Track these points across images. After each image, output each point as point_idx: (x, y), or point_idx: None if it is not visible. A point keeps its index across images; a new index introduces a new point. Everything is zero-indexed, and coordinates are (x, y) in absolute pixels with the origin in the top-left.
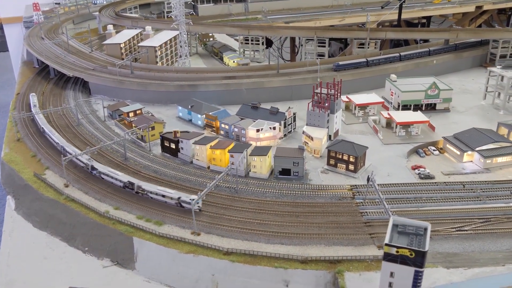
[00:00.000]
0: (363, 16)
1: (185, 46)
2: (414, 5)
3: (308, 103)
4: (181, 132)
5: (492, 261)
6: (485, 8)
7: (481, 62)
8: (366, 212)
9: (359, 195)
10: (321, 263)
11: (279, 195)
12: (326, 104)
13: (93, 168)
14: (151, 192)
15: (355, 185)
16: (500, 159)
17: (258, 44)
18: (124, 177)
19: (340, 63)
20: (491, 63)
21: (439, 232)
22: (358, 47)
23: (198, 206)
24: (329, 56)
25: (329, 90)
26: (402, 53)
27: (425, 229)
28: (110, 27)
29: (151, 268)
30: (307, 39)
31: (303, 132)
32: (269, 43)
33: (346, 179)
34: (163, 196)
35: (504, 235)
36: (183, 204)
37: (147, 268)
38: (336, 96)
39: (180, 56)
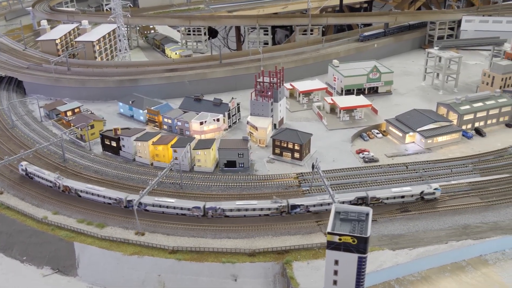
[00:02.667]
0: (306, 2)
1: (124, 39)
2: None
3: (251, 93)
4: (122, 129)
5: (435, 239)
6: None
7: (420, 44)
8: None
9: (305, 182)
10: (269, 255)
11: (225, 188)
12: (269, 93)
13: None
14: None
15: (301, 173)
16: (440, 139)
17: (201, 34)
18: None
19: (365, 34)
20: (429, 44)
21: (384, 215)
22: (302, 34)
23: None
24: (274, 44)
25: (271, 78)
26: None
27: (367, 215)
28: (44, 22)
29: (95, 273)
30: (250, 28)
31: (247, 122)
32: (213, 33)
33: (292, 167)
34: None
35: (446, 213)
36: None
37: (90, 273)
38: (278, 84)
39: (120, 50)
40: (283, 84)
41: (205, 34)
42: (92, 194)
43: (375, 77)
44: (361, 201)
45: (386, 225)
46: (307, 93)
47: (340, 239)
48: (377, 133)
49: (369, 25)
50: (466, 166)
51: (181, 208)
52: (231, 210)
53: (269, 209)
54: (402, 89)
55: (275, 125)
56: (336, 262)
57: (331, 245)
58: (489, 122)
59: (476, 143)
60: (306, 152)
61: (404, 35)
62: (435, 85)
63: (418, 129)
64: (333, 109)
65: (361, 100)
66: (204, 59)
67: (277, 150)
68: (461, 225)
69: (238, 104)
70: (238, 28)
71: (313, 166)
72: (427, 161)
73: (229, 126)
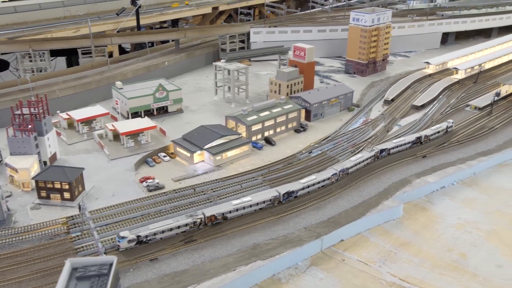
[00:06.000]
0: (102, 24)
1: None
2: (152, 10)
3: (7, 129)
4: None
5: (223, 268)
6: (221, 9)
7: (214, 58)
8: (82, 247)
9: (75, 227)
10: None
11: None
12: (30, 126)
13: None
14: None
15: (72, 217)
16: (229, 153)
17: None
18: None
19: None
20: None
21: (166, 250)
22: (84, 57)
23: None
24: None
25: (31, 109)
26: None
27: (111, 265)
28: None
29: None
30: (24, 54)
31: (6, 164)
32: (5, 65)
33: (63, 210)
34: None
35: (234, 235)
36: None
37: None
38: (42, 114)
39: None
40: (49, 114)
41: None
42: None
43: (162, 96)
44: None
45: (169, 261)
46: (87, 121)
47: None
48: (164, 156)
49: (164, 42)
50: (256, 179)
51: None
52: None
53: None
54: (194, 106)
55: (45, 162)
56: None
57: None
58: (278, 130)
59: (267, 153)
60: (79, 190)
61: (196, 50)
62: (227, 99)
63: (206, 147)
64: (118, 135)
65: (146, 122)
66: None
67: (43, 193)
68: (250, 246)
69: None
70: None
71: (79, 207)
72: (216, 179)
73: None
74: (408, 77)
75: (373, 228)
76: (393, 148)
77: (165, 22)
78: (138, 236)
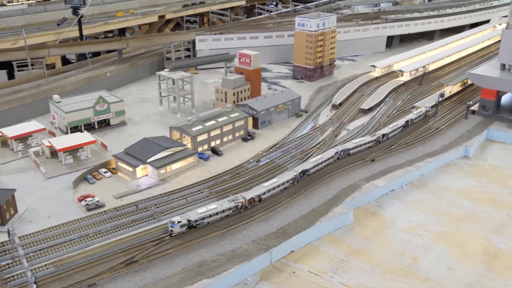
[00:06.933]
0: (42, 36)
1: None
2: (96, 20)
3: None
4: None
5: None
6: (167, 17)
7: (160, 68)
8: (12, 276)
9: (5, 254)
10: None
11: None
12: None
13: None
14: None
15: (2, 243)
16: (174, 166)
17: None
18: None
19: None
20: None
21: (105, 274)
22: (19, 70)
23: None
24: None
25: None
26: None
27: None
28: None
29: None
30: None
31: None
32: None
33: None
34: None
35: (179, 253)
36: None
37: None
38: None
39: None
40: None
41: None
42: None
43: (103, 108)
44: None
45: (108, 286)
46: (22, 138)
47: None
48: (105, 172)
49: (110, 51)
50: (202, 192)
51: None
52: None
53: None
54: (138, 117)
55: None
56: None
57: None
58: (225, 139)
59: (213, 164)
60: (11, 214)
61: (140, 60)
62: (172, 109)
63: (149, 160)
64: (55, 152)
65: (85, 137)
66: None
67: None
68: (195, 264)
69: None
70: None
71: (8, 233)
72: (160, 194)
73: None
74: (355, 81)
75: (324, 236)
76: (390, 132)
77: (111, 32)
78: (189, 221)
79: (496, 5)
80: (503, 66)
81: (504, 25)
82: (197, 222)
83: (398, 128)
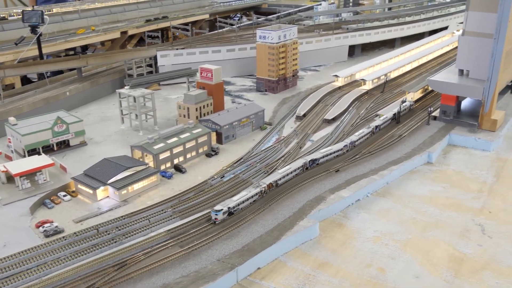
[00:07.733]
0: (0, 55)
1: None
2: (56, 37)
3: None
4: None
5: None
6: (130, 33)
7: (121, 85)
8: None
9: None
10: None
11: None
12: None
13: None
14: None
15: None
16: (136, 186)
17: None
18: None
19: None
20: None
21: None
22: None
23: None
24: None
25: None
26: None
27: None
28: None
29: None
30: None
31: None
32: None
33: None
34: None
35: (141, 277)
36: None
37: None
38: None
39: None
40: None
41: None
42: None
43: (62, 129)
44: None
45: None
46: None
47: None
48: (64, 196)
49: (61, 72)
50: (165, 212)
51: None
52: None
53: None
54: (99, 137)
55: None
56: None
57: None
58: (188, 156)
59: (177, 181)
60: None
61: (100, 78)
62: (134, 127)
63: (110, 181)
64: (11, 177)
65: (42, 160)
66: None
67: None
68: (159, 287)
69: None
70: None
71: None
72: (122, 216)
73: None
74: (318, 91)
75: (290, 251)
76: (382, 124)
77: (73, 49)
78: (229, 208)
79: (453, 12)
80: (461, 72)
81: (461, 31)
82: (234, 208)
83: (388, 120)
